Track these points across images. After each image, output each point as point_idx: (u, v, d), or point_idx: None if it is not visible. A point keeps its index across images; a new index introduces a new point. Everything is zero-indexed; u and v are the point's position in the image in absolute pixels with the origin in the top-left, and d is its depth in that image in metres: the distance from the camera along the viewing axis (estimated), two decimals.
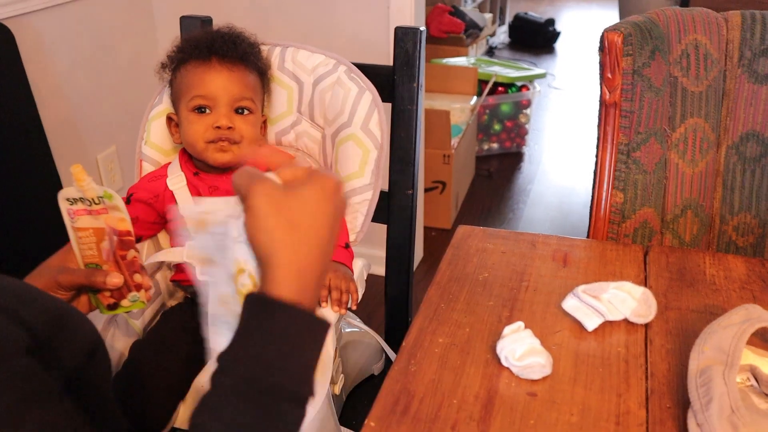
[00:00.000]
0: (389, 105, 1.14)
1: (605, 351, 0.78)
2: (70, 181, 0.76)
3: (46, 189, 1.67)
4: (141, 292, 0.81)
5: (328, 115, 1.11)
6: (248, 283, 0.59)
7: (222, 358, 0.52)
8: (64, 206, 0.78)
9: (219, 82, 1.03)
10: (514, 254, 0.97)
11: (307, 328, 0.54)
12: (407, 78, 1.13)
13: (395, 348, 1.18)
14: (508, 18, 5.19)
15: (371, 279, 1.22)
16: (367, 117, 1.07)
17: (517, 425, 0.68)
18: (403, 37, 1.12)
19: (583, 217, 1.20)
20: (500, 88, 3.21)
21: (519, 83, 3.23)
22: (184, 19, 1.22)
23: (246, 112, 1.05)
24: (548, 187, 3.01)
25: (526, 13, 5.01)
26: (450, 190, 2.63)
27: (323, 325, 0.55)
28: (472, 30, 3.79)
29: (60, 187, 0.82)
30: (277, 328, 0.52)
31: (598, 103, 1.16)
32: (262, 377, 0.51)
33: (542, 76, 3.39)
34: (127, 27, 2.13)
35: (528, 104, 3.20)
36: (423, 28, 1.13)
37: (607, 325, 0.82)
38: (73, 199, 0.78)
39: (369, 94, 1.09)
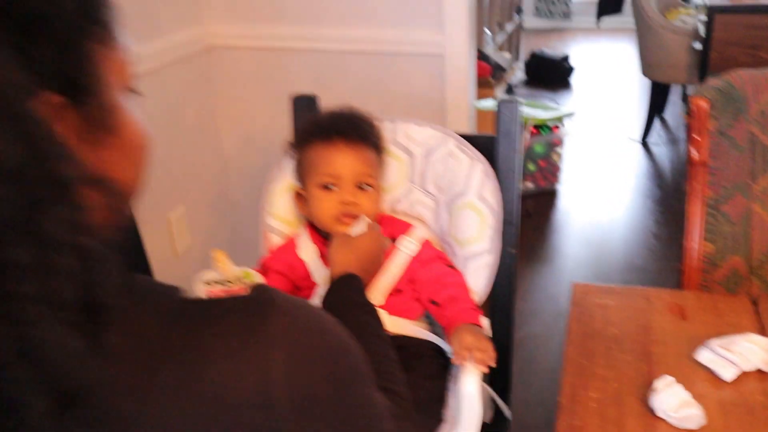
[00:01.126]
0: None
1: (746, 399, 0.87)
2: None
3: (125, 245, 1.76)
4: None
5: (441, 184, 1.21)
6: None
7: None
8: (200, 288, 0.86)
9: (343, 161, 1.12)
10: (633, 309, 1.06)
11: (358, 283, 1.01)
12: (508, 146, 1.23)
13: (501, 395, 1.26)
14: (522, 55, 5.33)
15: None
16: (481, 185, 1.17)
17: None
18: (504, 109, 1.22)
19: (619, 251, 1.30)
20: (533, 130, 3.32)
21: (550, 124, 3.34)
22: (296, 99, 1.32)
23: (368, 188, 1.14)
24: (586, 223, 3.10)
25: (541, 51, 5.16)
26: None
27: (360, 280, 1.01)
28: (498, 72, 3.91)
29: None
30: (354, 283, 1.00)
31: (685, 161, 1.25)
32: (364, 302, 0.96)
33: (570, 115, 3.50)
34: (191, 95, 2.24)
35: (560, 143, 3.31)
36: (521, 99, 1.23)
37: (742, 375, 0.90)
38: (213, 282, 0.86)
39: (479, 164, 1.18)
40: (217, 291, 0.87)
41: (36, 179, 0.40)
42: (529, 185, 3.37)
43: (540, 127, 3.33)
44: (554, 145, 3.31)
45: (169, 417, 0.47)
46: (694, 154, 1.23)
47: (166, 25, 2.09)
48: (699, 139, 1.22)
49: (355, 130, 1.14)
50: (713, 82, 1.27)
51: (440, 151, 1.21)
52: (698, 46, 3.38)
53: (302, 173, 1.16)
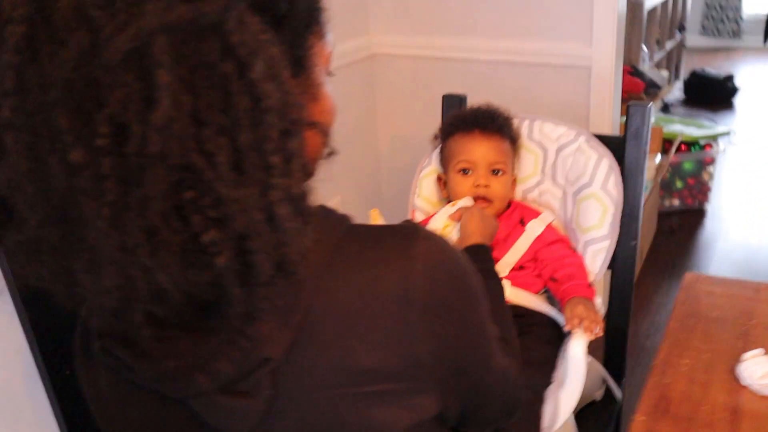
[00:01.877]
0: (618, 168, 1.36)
1: None
2: None
3: None
4: None
5: (570, 176, 1.35)
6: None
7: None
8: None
9: (478, 149, 1.30)
10: (740, 297, 1.15)
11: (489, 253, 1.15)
12: (636, 147, 1.35)
13: (615, 378, 1.37)
14: (683, 74, 5.22)
15: None
16: (606, 179, 1.30)
17: (764, 428, 0.86)
18: (634, 112, 1.34)
19: (765, 275, 1.34)
20: (683, 147, 3.30)
21: (702, 142, 3.30)
22: (446, 97, 1.51)
23: (500, 173, 1.30)
24: (734, 244, 3.04)
25: (703, 69, 5.02)
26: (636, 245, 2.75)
27: (486, 247, 1.17)
28: (652, 89, 3.90)
29: None
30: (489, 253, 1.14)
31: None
32: (492, 269, 1.11)
33: (726, 134, 3.44)
34: (354, 97, 2.51)
35: (712, 162, 3.27)
36: (650, 104, 1.34)
37: None
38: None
39: (607, 159, 1.31)
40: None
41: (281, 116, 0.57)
42: (675, 202, 3.35)
43: (691, 145, 3.31)
44: (705, 163, 3.27)
45: (339, 302, 0.64)
46: None
47: (336, 35, 2.36)
48: None
49: (492, 123, 1.31)
50: None
51: (571, 147, 1.36)
52: None
53: (445, 160, 1.35)
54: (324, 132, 0.73)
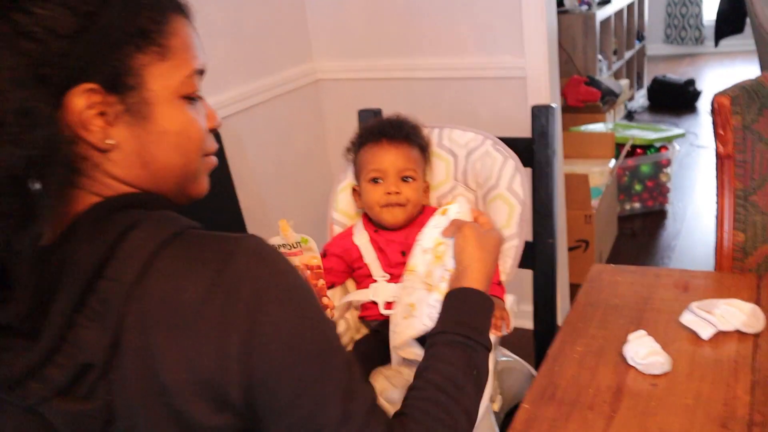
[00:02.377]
0: (530, 169, 1.38)
1: (718, 354, 0.96)
2: None
3: None
4: (327, 311, 1.09)
5: (479, 180, 1.37)
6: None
7: (437, 326, 0.88)
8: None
9: (388, 158, 1.32)
10: (641, 285, 1.16)
11: (488, 303, 0.93)
12: (543, 146, 1.38)
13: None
14: (647, 82, 5.28)
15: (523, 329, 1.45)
16: (511, 179, 1.32)
17: (642, 407, 0.87)
18: (538, 113, 1.37)
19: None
20: (639, 150, 3.34)
21: (658, 144, 3.34)
22: (361, 112, 1.54)
23: (410, 180, 1.33)
24: (694, 242, 3.06)
25: (664, 76, 5.09)
26: (593, 249, 2.78)
27: (492, 301, 0.94)
28: (609, 97, 3.96)
29: None
30: (473, 304, 0.92)
31: (713, 155, 1.33)
32: (465, 332, 0.86)
33: (681, 136, 3.48)
34: (301, 123, 2.54)
35: (668, 163, 3.30)
36: (555, 105, 1.37)
37: (720, 335, 0.99)
38: (277, 245, 1.09)
39: (512, 161, 1.34)
40: (284, 252, 1.11)
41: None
42: (636, 205, 3.37)
43: (647, 148, 3.35)
44: (662, 165, 3.30)
45: (145, 312, 0.64)
46: (720, 148, 1.31)
47: (279, 62, 2.41)
48: (723, 133, 1.30)
49: (398, 131, 1.34)
50: (743, 82, 1.34)
51: (479, 151, 1.38)
52: None
53: (357, 171, 1.38)
54: (176, 148, 0.74)
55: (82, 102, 0.66)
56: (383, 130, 1.33)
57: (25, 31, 0.63)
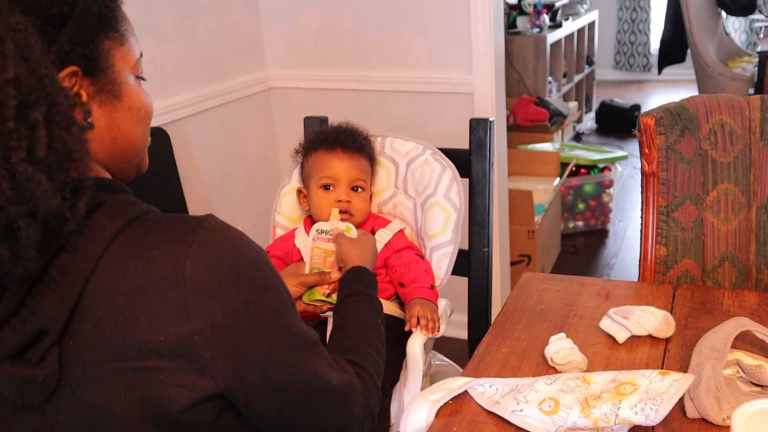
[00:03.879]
0: (467, 180, 1.43)
1: (631, 357, 1.01)
2: None
3: None
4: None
5: (419, 188, 1.42)
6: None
7: (344, 293, 1.12)
8: (312, 233, 1.30)
9: (342, 166, 1.35)
10: (567, 292, 1.22)
11: (373, 277, 1.17)
12: (481, 158, 1.43)
13: None
14: (595, 105, 5.45)
15: (459, 339, 1.49)
16: (448, 188, 1.37)
17: None
18: (477, 126, 1.43)
19: None
20: (583, 170, 3.45)
21: (601, 165, 3.46)
22: (307, 119, 1.57)
23: (360, 189, 1.36)
24: (632, 260, 3.17)
25: (611, 100, 5.26)
26: (535, 263, 2.86)
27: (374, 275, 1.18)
28: (557, 118, 4.07)
29: None
30: (367, 275, 1.16)
31: (640, 173, 1.40)
32: (368, 293, 1.11)
33: (624, 158, 3.60)
34: (251, 127, 2.56)
35: (610, 184, 3.42)
36: (492, 118, 1.43)
37: (634, 339, 1.05)
38: (322, 230, 1.28)
39: (450, 170, 1.39)
40: (321, 237, 1.29)
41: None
42: (579, 223, 3.48)
43: (590, 168, 3.46)
44: (605, 186, 3.41)
45: (113, 281, 0.69)
46: (645, 166, 1.38)
47: (233, 69, 2.43)
48: (648, 152, 1.37)
49: (353, 142, 1.38)
50: (668, 105, 1.42)
51: (419, 160, 1.43)
52: (751, 91, 3.43)
53: (306, 175, 1.40)
54: (139, 123, 0.83)
55: (68, 84, 0.73)
56: (338, 139, 1.37)
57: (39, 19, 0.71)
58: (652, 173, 1.38)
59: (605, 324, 1.07)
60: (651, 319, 1.05)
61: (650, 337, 1.05)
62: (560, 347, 1.00)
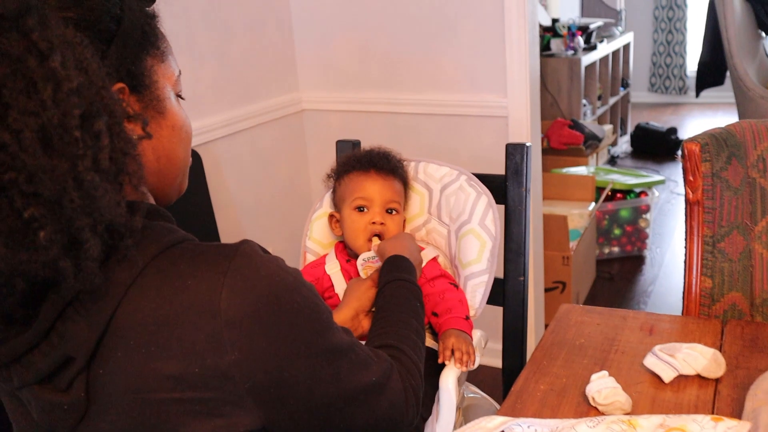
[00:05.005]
0: (503, 206, 1.39)
1: (679, 398, 0.96)
2: None
3: None
4: None
5: (453, 214, 1.38)
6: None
7: (382, 281, 1.13)
8: (360, 262, 1.29)
9: (376, 188, 1.32)
10: (607, 326, 1.17)
11: (412, 265, 1.17)
12: (517, 184, 1.39)
13: None
14: (630, 128, 5.37)
15: (492, 367, 1.44)
16: (483, 215, 1.33)
17: None
18: (513, 151, 1.39)
19: None
20: (619, 195, 3.38)
21: (637, 189, 3.38)
22: (339, 143, 1.55)
23: (394, 212, 1.33)
24: (670, 288, 3.08)
25: (647, 123, 5.18)
26: (570, 290, 2.79)
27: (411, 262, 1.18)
28: (592, 141, 4.01)
29: None
30: (404, 262, 1.16)
31: (684, 201, 1.35)
32: (404, 278, 1.12)
33: (661, 182, 3.52)
34: (283, 149, 2.55)
35: (647, 209, 3.34)
36: (529, 143, 1.39)
37: (681, 379, 0.99)
38: (367, 258, 1.28)
39: (485, 197, 1.35)
40: (371, 263, 1.28)
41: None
42: (615, 249, 3.40)
43: (626, 193, 3.38)
44: (641, 211, 3.34)
45: (145, 309, 0.67)
46: (690, 194, 1.33)
47: (266, 91, 2.43)
48: (692, 179, 1.32)
49: (387, 164, 1.35)
50: (713, 130, 1.37)
51: (453, 186, 1.39)
52: None
53: (339, 198, 1.38)
54: (181, 142, 0.82)
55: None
56: (372, 160, 1.34)
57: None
58: (697, 201, 1.32)
59: (650, 361, 1.02)
60: (699, 358, 0.99)
61: (698, 377, 1.00)
62: (602, 386, 0.95)
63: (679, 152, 1.32)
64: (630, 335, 1.13)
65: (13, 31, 0.59)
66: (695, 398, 0.96)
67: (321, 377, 0.76)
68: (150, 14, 0.79)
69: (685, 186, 1.34)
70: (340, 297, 1.32)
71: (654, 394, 0.97)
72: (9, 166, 0.57)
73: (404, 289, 1.11)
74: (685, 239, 1.35)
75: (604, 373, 0.97)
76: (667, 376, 0.99)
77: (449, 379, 1.14)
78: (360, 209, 1.33)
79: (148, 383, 0.67)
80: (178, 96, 0.84)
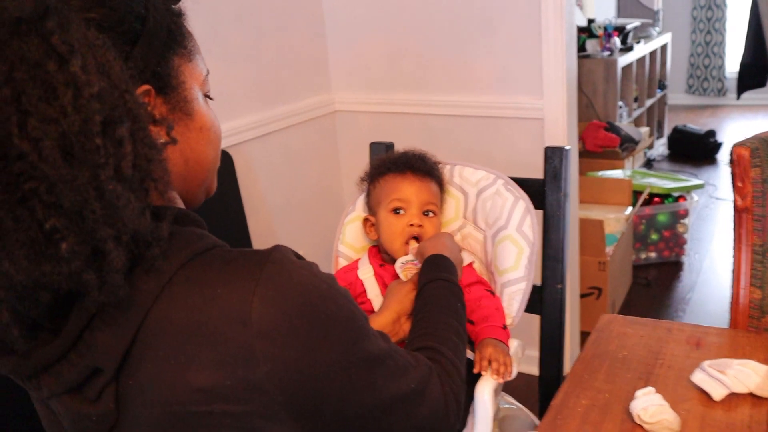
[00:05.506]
0: (541, 211, 1.35)
1: (731, 418, 0.91)
2: None
3: None
4: None
5: (489, 219, 1.34)
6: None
7: (422, 281, 1.09)
8: (399, 265, 1.24)
9: (413, 189, 1.29)
10: (651, 338, 1.12)
11: (453, 264, 1.14)
12: (555, 189, 1.35)
13: None
14: (667, 130, 5.25)
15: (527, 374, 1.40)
16: (521, 220, 1.29)
17: None
18: (552, 155, 1.34)
19: None
20: (656, 199, 3.29)
21: (675, 194, 3.30)
22: (373, 145, 1.52)
23: (431, 214, 1.30)
24: (709, 296, 2.99)
25: (685, 126, 5.06)
26: (606, 296, 2.72)
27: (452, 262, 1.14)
28: (628, 144, 3.93)
29: None
30: (444, 261, 1.13)
31: (732, 208, 1.29)
32: (444, 277, 1.08)
33: (700, 186, 3.43)
34: (315, 151, 2.53)
35: (685, 214, 3.25)
36: (569, 147, 1.34)
37: (733, 397, 0.94)
38: (406, 261, 1.23)
39: (523, 202, 1.30)
40: (410, 265, 1.23)
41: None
42: (652, 254, 3.32)
43: (664, 197, 3.30)
44: (680, 215, 3.25)
45: (174, 319, 0.64)
46: (738, 200, 1.27)
47: (298, 92, 2.41)
48: (742, 185, 1.26)
49: (423, 165, 1.32)
50: (763, 134, 1.31)
51: (490, 191, 1.35)
52: None
53: (374, 201, 1.34)
54: (210, 144, 0.79)
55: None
56: (409, 162, 1.31)
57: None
58: (746, 208, 1.26)
59: (698, 378, 0.97)
60: (752, 375, 0.94)
61: (751, 395, 0.94)
62: (648, 403, 0.90)
63: (727, 157, 1.26)
64: (676, 348, 1.08)
65: (32, 35, 0.57)
66: (748, 418, 0.90)
67: (357, 387, 0.72)
68: (176, 12, 0.75)
69: (733, 192, 1.29)
70: (373, 303, 1.29)
71: (704, 412, 0.92)
72: (29, 175, 0.55)
73: (445, 289, 1.07)
74: (733, 248, 1.29)
75: (650, 389, 0.93)
76: (718, 393, 0.94)
77: (485, 391, 1.10)
78: (396, 211, 1.29)
79: (178, 395, 0.64)
80: (207, 96, 0.81)
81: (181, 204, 0.79)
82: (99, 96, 0.58)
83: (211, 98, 0.82)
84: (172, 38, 0.73)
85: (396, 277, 1.27)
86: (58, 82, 0.57)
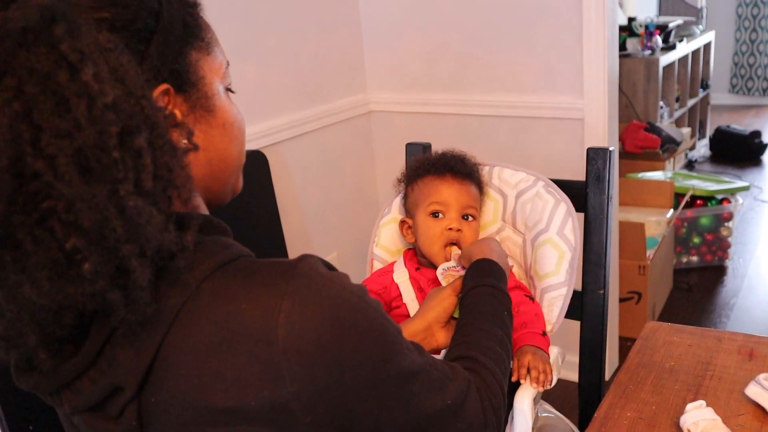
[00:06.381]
0: (582, 214, 1.31)
1: None
2: None
3: None
4: None
5: (529, 222, 1.30)
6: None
7: (467, 286, 1.05)
8: (440, 272, 1.21)
9: (452, 192, 1.26)
10: (700, 347, 1.07)
11: (501, 269, 1.08)
12: (598, 191, 1.30)
13: None
14: (709, 131, 5.13)
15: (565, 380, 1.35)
16: (562, 224, 1.25)
17: None
18: (595, 156, 1.30)
19: None
20: (699, 201, 3.20)
21: (719, 196, 3.21)
22: (409, 146, 1.49)
23: (471, 218, 1.27)
24: (754, 302, 2.90)
25: (728, 126, 4.93)
26: (646, 301, 2.65)
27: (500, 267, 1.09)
28: (669, 145, 3.83)
29: None
30: (491, 265, 1.08)
31: None
32: (491, 283, 1.02)
33: (745, 189, 3.33)
34: (350, 152, 2.51)
35: (730, 217, 3.16)
36: (612, 148, 1.30)
37: None
38: (447, 267, 1.21)
39: (564, 204, 1.26)
40: (452, 271, 1.21)
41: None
42: (694, 258, 3.23)
43: (707, 200, 3.21)
44: (723, 218, 3.16)
45: (196, 335, 0.61)
46: None
47: (333, 92, 2.40)
48: None
49: (463, 167, 1.28)
50: None
51: (530, 193, 1.31)
52: None
53: (412, 203, 1.31)
54: (233, 140, 0.75)
55: (162, 104, 0.66)
56: (448, 164, 1.28)
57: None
58: None
59: (753, 391, 0.92)
60: None
61: None
62: (699, 417, 0.86)
63: None
64: (726, 359, 1.03)
65: (40, 44, 0.54)
66: None
67: (389, 405, 0.69)
68: (190, 3, 0.71)
69: None
70: (408, 307, 1.26)
71: (759, 428, 0.88)
72: (46, 194, 0.53)
73: (490, 296, 1.02)
74: None
75: (701, 402, 0.88)
76: None
77: (524, 400, 1.07)
78: (435, 215, 1.26)
79: (201, 415, 0.62)
80: (228, 89, 0.77)
81: (205, 210, 0.76)
82: (114, 105, 0.55)
83: (232, 91, 0.77)
84: (188, 32, 0.69)
85: (434, 282, 1.24)
86: (70, 93, 0.54)
